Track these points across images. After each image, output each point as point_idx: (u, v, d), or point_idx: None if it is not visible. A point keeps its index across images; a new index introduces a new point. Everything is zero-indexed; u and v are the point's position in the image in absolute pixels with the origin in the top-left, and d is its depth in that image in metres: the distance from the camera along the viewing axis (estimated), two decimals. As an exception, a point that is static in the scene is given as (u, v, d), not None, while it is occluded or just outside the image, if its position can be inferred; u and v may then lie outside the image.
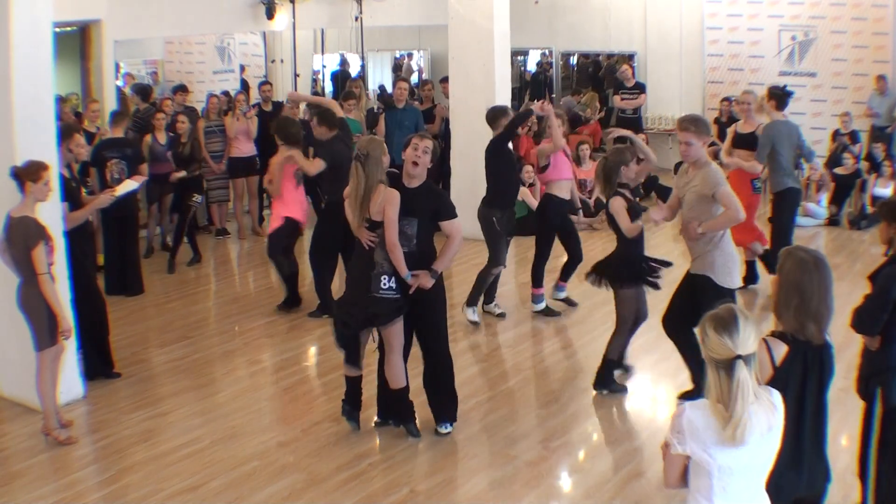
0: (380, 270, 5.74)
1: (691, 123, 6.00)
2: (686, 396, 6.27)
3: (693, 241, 6.09)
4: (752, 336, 3.10)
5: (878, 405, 4.56)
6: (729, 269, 6.12)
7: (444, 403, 6.17)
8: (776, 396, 3.20)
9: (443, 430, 6.12)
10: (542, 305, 8.58)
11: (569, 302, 8.78)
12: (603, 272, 6.79)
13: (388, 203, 5.69)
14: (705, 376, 3.15)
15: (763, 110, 8.93)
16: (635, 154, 6.82)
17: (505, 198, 8.35)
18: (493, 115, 8.45)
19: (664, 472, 3.29)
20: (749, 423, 3.05)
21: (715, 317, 3.14)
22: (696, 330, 3.32)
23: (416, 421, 6.14)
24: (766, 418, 3.11)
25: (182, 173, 10.28)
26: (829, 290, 3.58)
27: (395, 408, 6.13)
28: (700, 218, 6.01)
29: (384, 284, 5.74)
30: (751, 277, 9.07)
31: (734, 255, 6.20)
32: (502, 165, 8.24)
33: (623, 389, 6.78)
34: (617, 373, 6.87)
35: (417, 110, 11.72)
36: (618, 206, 6.47)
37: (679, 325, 6.29)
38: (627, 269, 6.64)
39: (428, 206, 5.85)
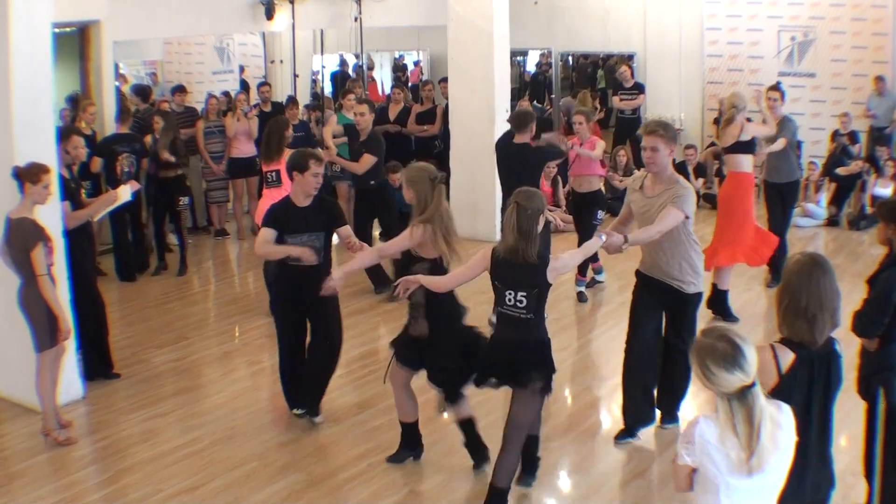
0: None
1: (660, 127, 5.44)
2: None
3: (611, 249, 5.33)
4: (754, 353, 3.01)
5: (880, 404, 4.55)
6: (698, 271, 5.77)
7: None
8: (785, 412, 3.11)
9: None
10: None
11: (580, 297, 9.01)
12: None
13: None
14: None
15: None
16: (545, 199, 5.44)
17: None
18: (525, 118, 8.31)
19: (674, 479, 3.23)
20: (769, 449, 2.97)
21: (714, 352, 2.99)
22: (692, 362, 3.10)
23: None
24: (776, 440, 3.01)
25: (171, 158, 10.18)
26: (826, 290, 3.49)
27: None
28: (667, 239, 5.48)
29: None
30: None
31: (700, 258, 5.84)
32: None
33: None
34: None
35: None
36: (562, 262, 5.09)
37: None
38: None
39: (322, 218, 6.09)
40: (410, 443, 5.80)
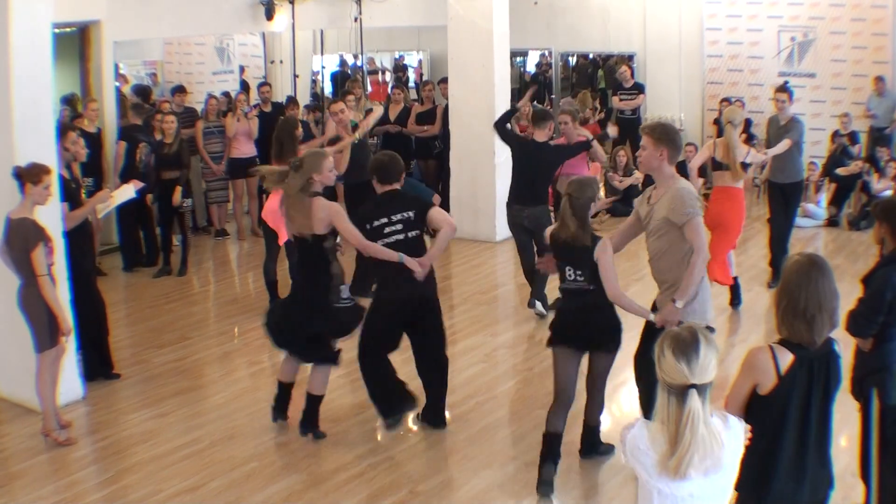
0: (337, 282, 5.92)
1: (648, 126, 5.35)
2: None
3: (672, 324, 5.12)
4: (712, 364, 2.92)
5: (874, 405, 4.55)
6: (705, 301, 5.30)
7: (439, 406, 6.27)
8: (733, 429, 3.03)
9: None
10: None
11: None
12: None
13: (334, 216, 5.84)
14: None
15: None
16: (597, 185, 5.76)
17: None
18: (545, 115, 8.43)
19: None
20: (693, 457, 2.88)
21: (675, 337, 2.95)
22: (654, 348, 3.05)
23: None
24: (713, 455, 2.92)
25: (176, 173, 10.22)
26: (825, 291, 3.47)
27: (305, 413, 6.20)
28: (671, 251, 5.22)
29: (344, 294, 5.95)
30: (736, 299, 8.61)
31: (707, 286, 5.37)
32: None
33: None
34: None
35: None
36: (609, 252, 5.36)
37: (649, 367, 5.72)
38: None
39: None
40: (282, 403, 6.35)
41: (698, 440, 2.88)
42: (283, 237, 8.50)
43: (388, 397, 6.13)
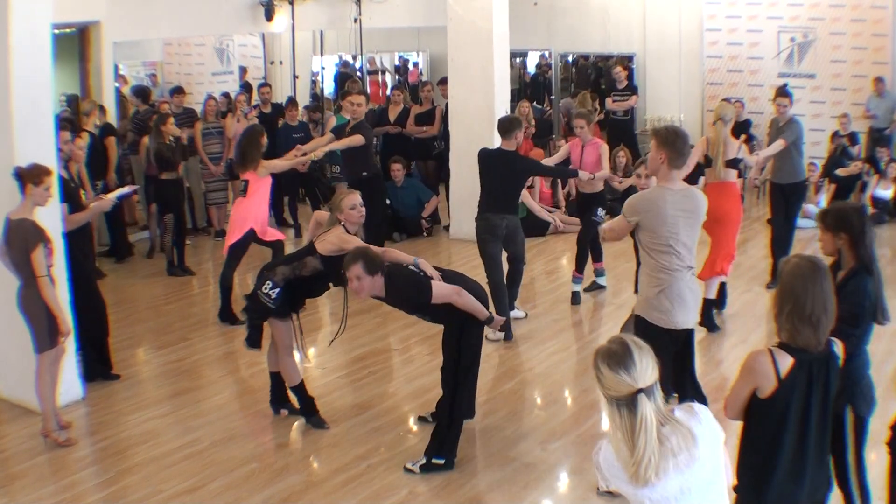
0: (270, 275, 6.06)
1: (654, 130, 5.35)
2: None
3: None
4: (650, 365, 2.92)
5: (848, 420, 4.50)
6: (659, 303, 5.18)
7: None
8: (703, 420, 2.99)
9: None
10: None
11: (575, 298, 9.07)
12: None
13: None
14: None
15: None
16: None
17: None
18: (510, 125, 8.04)
19: None
20: (657, 459, 2.87)
21: (607, 353, 2.95)
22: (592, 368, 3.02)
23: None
24: (683, 449, 2.90)
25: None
26: (828, 293, 3.47)
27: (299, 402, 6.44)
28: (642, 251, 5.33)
29: (266, 288, 6.05)
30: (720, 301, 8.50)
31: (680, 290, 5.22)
32: None
33: None
34: None
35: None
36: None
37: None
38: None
39: None
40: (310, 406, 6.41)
41: (653, 443, 2.87)
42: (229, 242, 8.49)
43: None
